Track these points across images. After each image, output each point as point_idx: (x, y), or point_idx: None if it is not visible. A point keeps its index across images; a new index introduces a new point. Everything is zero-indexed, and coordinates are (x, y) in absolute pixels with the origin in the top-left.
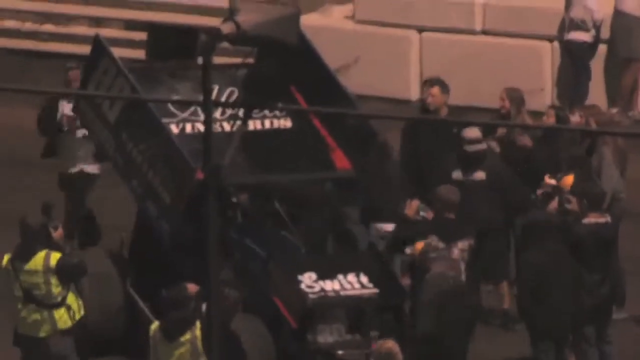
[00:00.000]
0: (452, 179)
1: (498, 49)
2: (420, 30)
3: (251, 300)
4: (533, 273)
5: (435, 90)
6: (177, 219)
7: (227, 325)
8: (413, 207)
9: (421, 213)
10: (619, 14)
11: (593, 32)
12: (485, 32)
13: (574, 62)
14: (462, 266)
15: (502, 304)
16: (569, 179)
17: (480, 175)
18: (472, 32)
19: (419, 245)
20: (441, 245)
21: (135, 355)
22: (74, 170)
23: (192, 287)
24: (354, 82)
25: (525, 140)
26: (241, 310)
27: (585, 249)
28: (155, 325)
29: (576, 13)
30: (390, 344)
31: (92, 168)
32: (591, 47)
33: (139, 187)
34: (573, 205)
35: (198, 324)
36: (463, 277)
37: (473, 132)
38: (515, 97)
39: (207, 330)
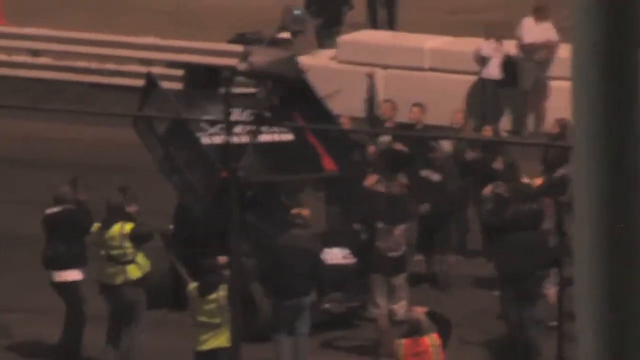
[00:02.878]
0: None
1: (441, 81)
2: (385, 67)
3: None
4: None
5: (416, 109)
6: (208, 206)
7: (245, 287)
8: (371, 180)
9: (377, 185)
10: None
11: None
12: (432, 69)
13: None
14: (403, 241)
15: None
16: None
17: (436, 176)
18: (421, 69)
19: None
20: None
21: (178, 307)
22: None
23: (220, 259)
24: (337, 106)
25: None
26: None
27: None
28: (192, 285)
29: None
30: (418, 313)
31: None
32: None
33: (180, 183)
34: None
35: (224, 286)
36: (402, 250)
37: (444, 145)
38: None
39: (231, 291)
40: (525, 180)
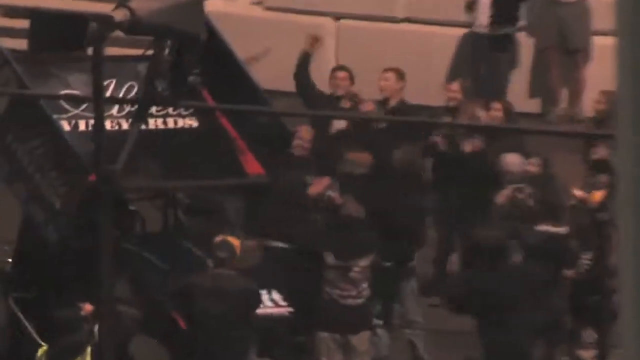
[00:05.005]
0: None
1: (420, 37)
2: (337, 17)
3: (150, 319)
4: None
5: (390, 76)
6: (67, 226)
7: (123, 348)
8: (322, 183)
9: (328, 192)
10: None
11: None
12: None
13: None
14: (364, 284)
15: None
16: (598, 195)
17: None
18: (392, 20)
19: None
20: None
21: None
22: None
23: (86, 307)
24: (263, 76)
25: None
26: (139, 331)
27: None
28: (42, 350)
29: None
30: None
31: None
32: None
33: (24, 191)
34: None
35: (89, 349)
36: (364, 297)
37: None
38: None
39: (99, 356)
40: (577, 192)
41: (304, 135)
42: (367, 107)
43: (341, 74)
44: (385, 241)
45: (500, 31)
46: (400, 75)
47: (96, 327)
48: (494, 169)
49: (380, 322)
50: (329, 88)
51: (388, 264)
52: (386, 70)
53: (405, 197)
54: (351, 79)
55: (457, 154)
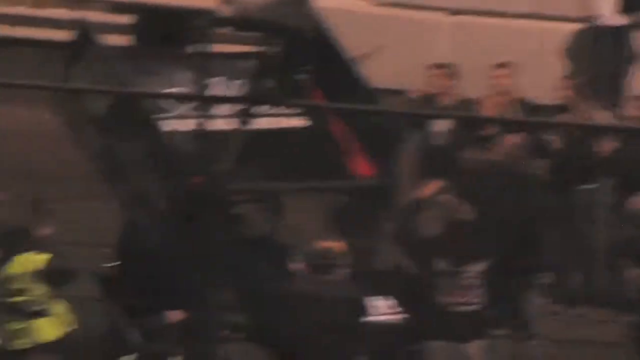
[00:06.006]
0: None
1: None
2: (453, 12)
3: (253, 325)
4: None
5: (503, 72)
6: (170, 230)
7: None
8: (434, 186)
9: (440, 195)
10: None
11: None
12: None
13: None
14: (478, 290)
15: None
16: None
17: None
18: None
19: None
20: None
21: None
22: None
23: (173, 315)
24: (374, 74)
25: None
26: (243, 339)
27: None
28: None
29: None
30: None
31: None
32: None
33: (126, 192)
34: None
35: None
36: (477, 303)
37: None
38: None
39: None
40: None
41: None
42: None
43: (438, 71)
44: (504, 246)
45: (626, 23)
46: (511, 72)
47: (184, 335)
48: (633, 170)
49: (501, 331)
50: (426, 85)
51: (507, 269)
52: (498, 65)
53: (521, 198)
54: (450, 76)
55: (586, 154)
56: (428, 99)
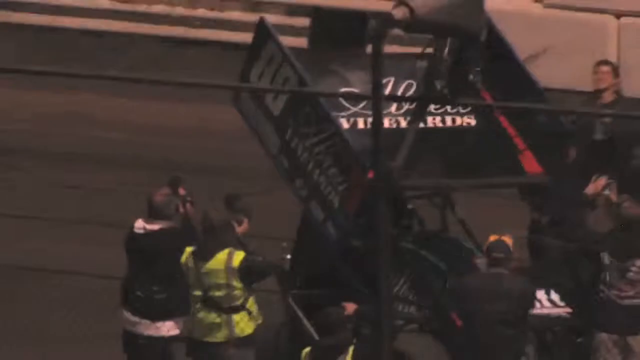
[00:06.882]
0: None
1: None
2: (618, 15)
3: (428, 317)
4: None
5: (605, 68)
6: (346, 225)
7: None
8: (600, 183)
9: (606, 192)
10: None
11: None
12: None
13: None
14: None
15: None
16: None
17: None
18: None
19: None
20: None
21: None
22: None
23: (349, 307)
24: (541, 74)
25: None
26: (417, 331)
27: None
28: (305, 351)
29: None
30: None
31: None
32: None
33: (304, 188)
34: None
35: (351, 350)
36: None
37: None
38: None
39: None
40: None
41: None
42: None
43: (604, 68)
44: None
45: None
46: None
47: (359, 327)
48: None
49: None
50: (592, 83)
51: None
52: None
53: None
54: (614, 72)
55: None
56: (592, 96)
